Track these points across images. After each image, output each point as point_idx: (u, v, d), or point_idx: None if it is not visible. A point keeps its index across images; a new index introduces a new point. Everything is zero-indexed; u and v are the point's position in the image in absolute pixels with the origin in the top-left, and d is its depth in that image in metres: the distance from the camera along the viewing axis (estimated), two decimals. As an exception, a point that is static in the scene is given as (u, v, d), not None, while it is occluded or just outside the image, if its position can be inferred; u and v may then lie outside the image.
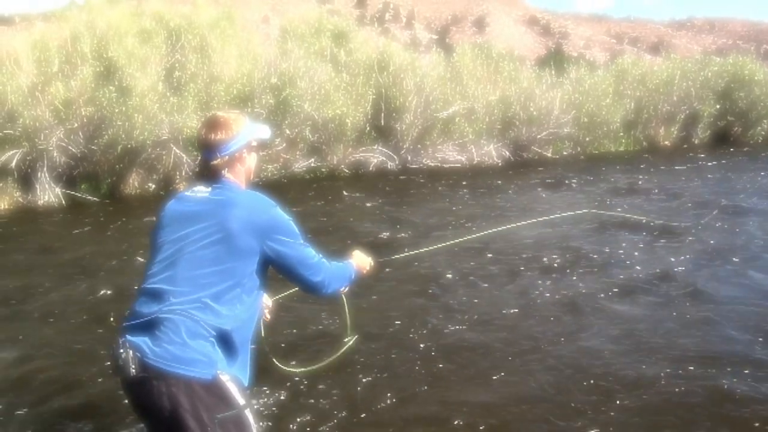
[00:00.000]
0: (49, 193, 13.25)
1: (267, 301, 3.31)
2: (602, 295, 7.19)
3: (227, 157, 2.90)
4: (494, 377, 5.26)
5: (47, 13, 25.29)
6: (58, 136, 13.15)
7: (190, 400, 2.51)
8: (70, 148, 13.37)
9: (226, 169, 2.91)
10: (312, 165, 16.69)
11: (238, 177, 2.96)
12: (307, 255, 2.95)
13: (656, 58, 31.37)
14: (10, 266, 8.83)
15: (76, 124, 13.33)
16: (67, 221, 11.99)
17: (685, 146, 22.85)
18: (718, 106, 23.61)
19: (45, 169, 13.20)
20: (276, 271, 2.92)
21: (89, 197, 13.63)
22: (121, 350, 2.58)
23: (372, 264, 3.52)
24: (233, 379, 2.66)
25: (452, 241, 6.09)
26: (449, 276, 7.93)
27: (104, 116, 13.34)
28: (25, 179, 13.31)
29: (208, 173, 2.93)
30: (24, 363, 5.62)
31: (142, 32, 15.04)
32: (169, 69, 15.12)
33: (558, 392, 5.01)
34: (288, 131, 15.93)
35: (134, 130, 13.28)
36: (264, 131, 3.11)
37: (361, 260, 3.43)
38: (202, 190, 2.90)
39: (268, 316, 3.40)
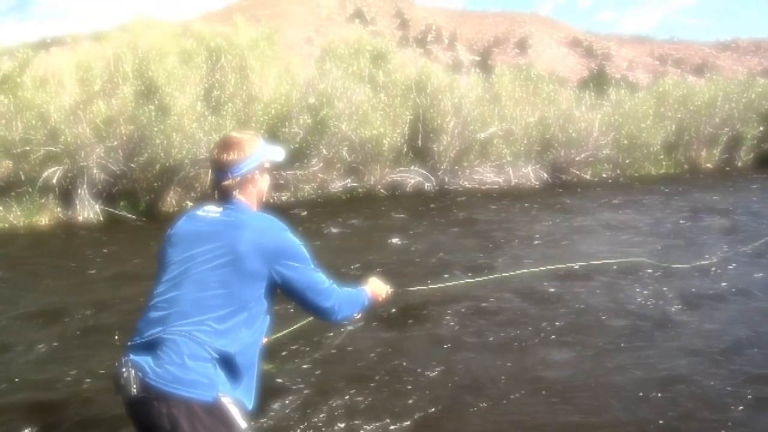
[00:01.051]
0: (88, 210, 13.49)
1: None
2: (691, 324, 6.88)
3: (239, 178, 2.88)
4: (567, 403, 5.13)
5: (94, 34, 25.90)
6: (98, 154, 13.41)
7: (190, 422, 2.47)
8: (109, 165, 13.62)
9: (238, 190, 2.90)
10: (349, 185, 16.73)
11: (249, 198, 2.94)
12: (317, 280, 2.90)
13: (700, 80, 30.97)
14: (49, 280, 8.99)
15: (116, 142, 13.58)
16: (106, 238, 12.15)
17: (728, 169, 22.44)
18: (761, 128, 23.19)
19: (85, 185, 13.47)
20: (285, 296, 2.87)
21: (127, 214, 13.83)
22: (123, 369, 2.56)
23: (389, 292, 3.44)
24: (236, 402, 2.62)
25: (488, 277, 5.99)
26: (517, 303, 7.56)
27: (143, 135, 13.58)
28: (66, 195, 13.58)
29: (219, 193, 2.92)
30: (47, 377, 5.68)
31: (183, 52, 15.27)
32: (208, 89, 15.32)
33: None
34: (325, 151, 16.01)
35: (173, 149, 13.48)
36: (277, 153, 3.08)
37: (376, 287, 3.36)
38: (213, 210, 2.89)
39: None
